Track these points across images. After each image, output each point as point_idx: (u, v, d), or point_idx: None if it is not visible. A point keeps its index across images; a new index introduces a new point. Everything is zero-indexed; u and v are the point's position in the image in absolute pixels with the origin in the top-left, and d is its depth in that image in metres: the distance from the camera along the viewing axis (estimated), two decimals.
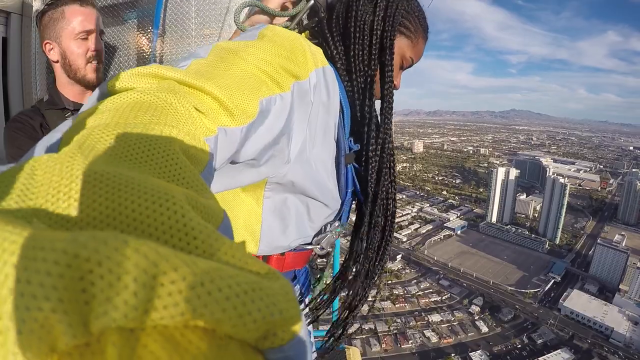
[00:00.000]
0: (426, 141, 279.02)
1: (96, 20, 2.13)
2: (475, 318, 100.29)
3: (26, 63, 3.12)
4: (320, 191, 1.25)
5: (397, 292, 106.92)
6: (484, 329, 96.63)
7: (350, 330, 1.68)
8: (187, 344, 0.29)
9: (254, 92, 0.84)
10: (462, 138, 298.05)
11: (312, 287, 1.72)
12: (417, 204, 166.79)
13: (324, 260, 1.71)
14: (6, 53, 3.07)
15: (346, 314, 1.63)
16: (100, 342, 0.28)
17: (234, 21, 1.36)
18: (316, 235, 1.39)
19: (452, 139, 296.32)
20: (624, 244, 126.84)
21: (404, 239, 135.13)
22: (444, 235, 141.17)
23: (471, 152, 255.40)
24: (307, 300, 1.66)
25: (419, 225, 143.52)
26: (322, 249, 1.41)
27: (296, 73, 1.01)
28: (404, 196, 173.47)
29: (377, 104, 1.35)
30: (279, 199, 1.23)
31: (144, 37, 2.87)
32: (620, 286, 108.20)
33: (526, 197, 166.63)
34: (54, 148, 0.52)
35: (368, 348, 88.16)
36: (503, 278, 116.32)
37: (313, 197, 1.25)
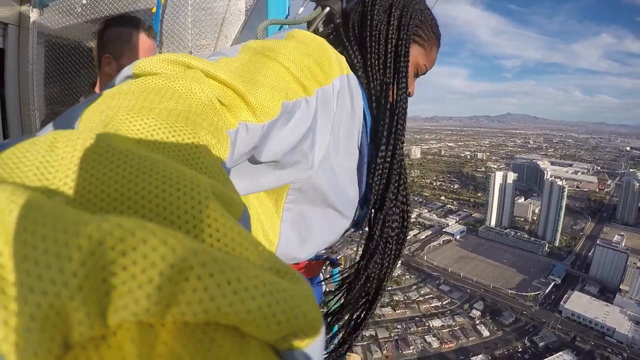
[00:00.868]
0: (423, 147, 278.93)
1: (155, 53, 2.08)
2: (476, 322, 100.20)
3: (23, 74, 3.15)
4: (340, 199, 1.24)
5: (397, 298, 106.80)
6: (485, 333, 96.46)
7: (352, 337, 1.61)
8: (209, 342, 0.28)
9: (279, 92, 0.83)
10: (460, 143, 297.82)
11: (324, 299, 1.71)
12: (416, 209, 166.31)
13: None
14: (3, 64, 3.12)
15: (350, 329, 1.57)
16: (117, 336, 0.27)
17: (258, 36, 1.36)
18: (331, 247, 1.41)
19: (450, 144, 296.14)
20: (623, 244, 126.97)
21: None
22: (443, 241, 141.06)
23: (468, 157, 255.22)
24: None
25: (418, 231, 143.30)
26: (334, 253, 1.43)
27: (321, 78, 1.01)
28: None
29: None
30: (297, 212, 1.21)
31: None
32: (621, 286, 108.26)
33: (524, 200, 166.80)
34: (73, 124, 0.50)
35: (369, 355, 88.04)
36: (503, 282, 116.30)
37: (333, 206, 1.24)
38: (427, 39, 1.37)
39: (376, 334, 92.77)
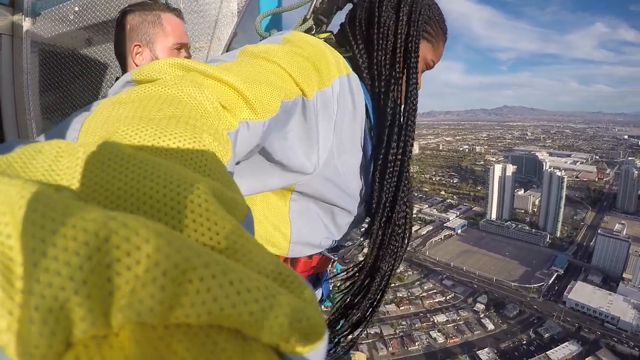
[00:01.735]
0: (421, 142, 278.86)
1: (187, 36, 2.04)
2: (481, 316, 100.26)
3: (18, 84, 3.12)
4: (344, 199, 1.27)
5: (400, 295, 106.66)
6: (490, 326, 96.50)
7: (355, 335, 1.65)
8: (212, 345, 0.28)
9: (278, 90, 0.84)
10: (457, 137, 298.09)
11: (331, 295, 1.72)
12: (416, 205, 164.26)
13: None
14: None
15: (352, 325, 1.59)
16: (120, 336, 0.27)
17: (256, 30, 1.41)
18: (341, 246, 1.43)
19: (447, 138, 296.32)
20: (624, 233, 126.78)
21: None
22: (445, 235, 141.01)
23: (467, 150, 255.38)
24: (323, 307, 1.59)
25: (419, 227, 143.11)
26: (346, 260, 1.45)
27: (319, 80, 1.02)
28: None
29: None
30: (305, 204, 1.25)
31: None
32: (624, 275, 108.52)
33: (524, 192, 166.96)
34: (73, 135, 0.51)
35: (375, 352, 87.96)
36: (506, 274, 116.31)
37: (337, 205, 1.27)
38: (435, 35, 1.38)
39: (381, 331, 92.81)
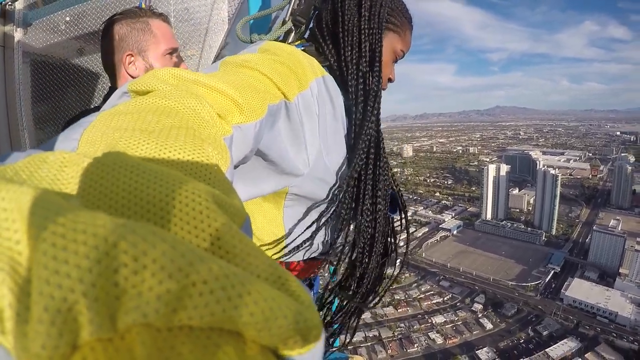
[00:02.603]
0: (415, 145, 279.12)
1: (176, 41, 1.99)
2: (479, 316, 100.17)
3: (10, 95, 3.06)
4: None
5: (398, 297, 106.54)
6: (489, 325, 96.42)
7: (354, 339, 1.67)
8: (214, 347, 0.29)
9: (263, 94, 0.89)
10: (451, 139, 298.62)
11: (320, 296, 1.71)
12: (411, 207, 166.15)
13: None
14: None
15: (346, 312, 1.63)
16: (126, 339, 0.28)
17: (237, 35, 1.46)
18: (332, 247, 1.44)
19: (441, 140, 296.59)
20: (619, 228, 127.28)
21: (401, 244, 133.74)
22: (441, 237, 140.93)
23: (460, 151, 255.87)
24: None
25: (414, 229, 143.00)
26: (337, 258, 1.47)
27: (298, 83, 1.06)
28: None
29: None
30: (298, 209, 1.31)
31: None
32: (620, 270, 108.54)
33: (519, 191, 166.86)
34: (74, 144, 0.52)
35: (374, 355, 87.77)
36: (503, 274, 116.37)
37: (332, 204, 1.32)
38: (400, 25, 1.41)
39: (379, 334, 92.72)
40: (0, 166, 0.39)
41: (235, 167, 0.83)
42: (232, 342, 0.30)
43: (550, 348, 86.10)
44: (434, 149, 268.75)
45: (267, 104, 0.88)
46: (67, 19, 2.90)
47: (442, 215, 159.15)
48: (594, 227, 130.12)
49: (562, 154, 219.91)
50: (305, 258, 1.44)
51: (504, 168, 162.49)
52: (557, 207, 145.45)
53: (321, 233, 1.35)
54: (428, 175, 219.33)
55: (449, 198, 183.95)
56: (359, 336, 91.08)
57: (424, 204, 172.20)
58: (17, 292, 0.26)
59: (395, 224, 1.70)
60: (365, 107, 1.28)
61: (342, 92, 1.30)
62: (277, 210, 1.29)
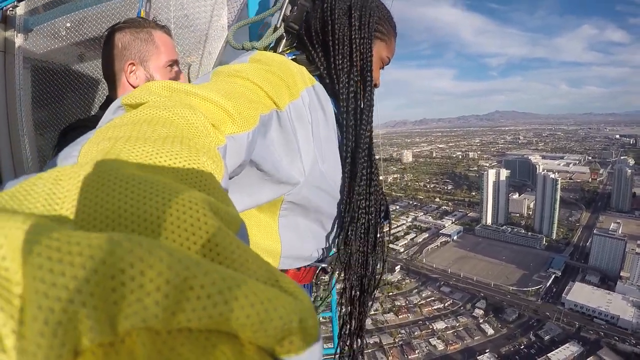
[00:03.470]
0: (415, 150, 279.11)
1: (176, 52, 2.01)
2: (480, 321, 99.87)
3: (11, 100, 3.13)
4: (332, 204, 1.35)
5: (399, 304, 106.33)
6: (490, 331, 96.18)
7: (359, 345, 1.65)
8: (212, 348, 0.30)
9: (255, 104, 0.90)
10: (450, 144, 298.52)
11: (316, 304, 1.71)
12: (411, 213, 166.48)
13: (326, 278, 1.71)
14: None
15: (349, 323, 1.62)
16: (126, 343, 0.28)
17: (229, 42, 1.47)
18: (326, 255, 1.46)
19: (440, 145, 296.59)
20: (620, 232, 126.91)
21: (401, 250, 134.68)
22: (441, 242, 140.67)
23: (460, 157, 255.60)
24: None
25: (415, 235, 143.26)
26: (331, 267, 1.48)
27: (289, 93, 1.07)
28: (398, 207, 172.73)
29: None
30: (293, 219, 1.31)
31: None
32: (622, 273, 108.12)
33: (519, 196, 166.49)
34: (73, 160, 0.53)
35: None
36: (504, 279, 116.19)
37: (326, 212, 1.35)
38: (387, 33, 1.45)
39: (380, 340, 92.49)
40: None
41: (230, 178, 0.83)
42: (230, 343, 0.30)
43: (552, 353, 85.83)
44: (434, 155, 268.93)
45: (259, 114, 0.88)
46: (68, 25, 2.93)
47: (442, 221, 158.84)
48: (595, 231, 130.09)
49: (562, 157, 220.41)
50: (299, 266, 1.45)
51: (504, 173, 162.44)
52: (557, 211, 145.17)
53: (316, 241, 1.38)
54: (428, 180, 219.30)
55: (449, 203, 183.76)
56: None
57: (424, 210, 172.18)
58: (9, 309, 0.26)
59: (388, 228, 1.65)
60: (361, 116, 1.31)
61: (333, 101, 1.32)
62: (272, 221, 1.29)
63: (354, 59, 1.31)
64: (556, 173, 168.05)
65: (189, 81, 2.50)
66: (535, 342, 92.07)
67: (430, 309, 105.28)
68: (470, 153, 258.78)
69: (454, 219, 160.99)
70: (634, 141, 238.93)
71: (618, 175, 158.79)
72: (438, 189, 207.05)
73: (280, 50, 1.51)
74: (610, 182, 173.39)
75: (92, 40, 2.90)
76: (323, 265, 1.53)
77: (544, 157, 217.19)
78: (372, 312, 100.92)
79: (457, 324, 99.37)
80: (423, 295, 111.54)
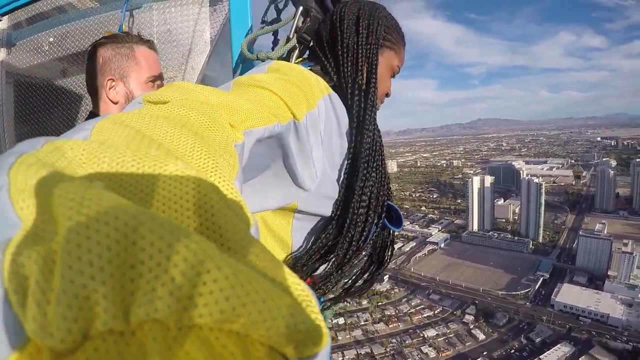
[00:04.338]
0: (399, 160, 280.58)
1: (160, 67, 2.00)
2: (471, 327, 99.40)
3: None
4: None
5: (389, 313, 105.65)
6: (481, 336, 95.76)
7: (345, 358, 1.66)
8: (221, 348, 0.30)
9: (274, 110, 0.93)
10: (434, 153, 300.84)
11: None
12: None
13: None
14: None
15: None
16: (137, 335, 0.29)
17: (242, 52, 1.52)
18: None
19: (425, 155, 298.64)
20: (605, 232, 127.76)
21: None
22: (428, 250, 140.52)
23: (444, 165, 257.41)
24: None
25: (402, 244, 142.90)
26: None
27: (307, 103, 1.08)
28: None
29: None
30: (306, 224, 1.35)
31: None
32: (609, 273, 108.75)
33: (504, 201, 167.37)
34: (87, 133, 0.53)
35: None
36: (492, 284, 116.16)
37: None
38: (396, 42, 1.47)
39: (372, 350, 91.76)
40: (24, 154, 0.40)
41: (250, 178, 0.89)
42: (239, 344, 0.30)
43: (544, 355, 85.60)
44: (418, 164, 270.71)
45: (276, 122, 0.90)
46: (51, 39, 2.95)
47: (429, 229, 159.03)
48: (580, 232, 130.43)
49: (545, 162, 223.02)
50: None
51: (488, 179, 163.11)
52: (542, 215, 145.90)
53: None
54: (413, 190, 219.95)
55: (435, 212, 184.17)
56: (350, 354, 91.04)
57: (410, 219, 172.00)
58: (46, 272, 0.27)
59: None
60: (364, 119, 1.32)
61: (347, 110, 1.33)
62: (285, 231, 1.31)
63: (359, 65, 1.33)
64: (540, 177, 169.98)
65: None
66: (527, 345, 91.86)
67: (420, 317, 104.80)
68: (454, 161, 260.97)
69: (440, 227, 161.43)
70: (615, 143, 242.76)
71: (601, 176, 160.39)
72: (423, 197, 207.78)
73: (293, 61, 1.53)
74: (594, 183, 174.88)
75: (75, 55, 2.90)
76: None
77: (527, 163, 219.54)
78: (362, 323, 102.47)
79: (448, 331, 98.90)
80: (413, 303, 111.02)
